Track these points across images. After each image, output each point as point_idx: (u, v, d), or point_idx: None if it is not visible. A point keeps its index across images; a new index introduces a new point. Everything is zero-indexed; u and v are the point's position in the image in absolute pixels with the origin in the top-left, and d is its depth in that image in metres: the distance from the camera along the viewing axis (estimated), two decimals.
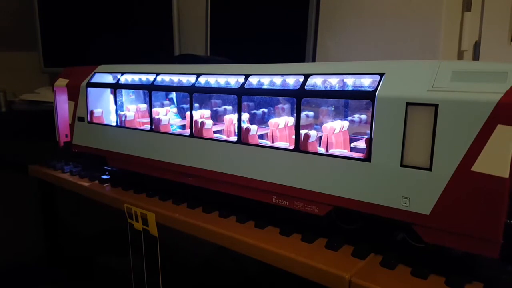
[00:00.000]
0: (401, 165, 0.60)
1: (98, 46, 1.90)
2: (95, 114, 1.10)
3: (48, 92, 1.84)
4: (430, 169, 0.58)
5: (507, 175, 0.52)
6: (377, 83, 0.63)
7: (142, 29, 1.77)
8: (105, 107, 1.12)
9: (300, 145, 0.73)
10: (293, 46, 1.34)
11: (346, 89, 0.69)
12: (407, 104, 0.59)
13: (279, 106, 0.94)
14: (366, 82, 0.66)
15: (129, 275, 1.09)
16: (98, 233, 1.62)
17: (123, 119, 1.06)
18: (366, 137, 0.66)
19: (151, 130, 0.97)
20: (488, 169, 0.54)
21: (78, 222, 1.68)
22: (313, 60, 1.36)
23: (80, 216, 1.64)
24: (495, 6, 1.14)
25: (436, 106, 0.56)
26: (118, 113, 1.09)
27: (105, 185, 1.14)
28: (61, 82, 1.17)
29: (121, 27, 1.83)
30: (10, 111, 1.91)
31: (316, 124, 0.87)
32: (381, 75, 0.63)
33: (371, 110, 0.63)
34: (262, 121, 0.96)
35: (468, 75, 0.56)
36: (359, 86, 0.67)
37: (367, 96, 0.63)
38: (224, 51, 1.53)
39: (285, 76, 0.77)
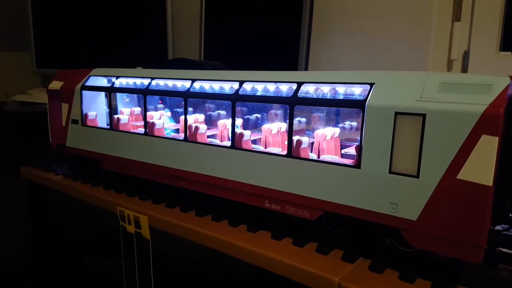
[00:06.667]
0: (390, 172, 0.62)
1: (91, 48, 1.90)
2: (89, 117, 1.11)
3: (41, 93, 1.83)
4: (417, 176, 0.60)
5: (491, 183, 0.54)
6: (367, 92, 0.65)
7: (136, 32, 1.78)
8: (99, 110, 1.13)
9: (293, 151, 0.74)
10: (287, 55, 1.36)
11: (337, 97, 0.71)
12: (396, 113, 0.61)
13: (272, 111, 0.95)
14: (357, 91, 0.68)
15: (121, 278, 1.09)
16: (90, 235, 1.61)
17: (117, 122, 1.06)
18: (356, 144, 0.67)
19: (145, 133, 0.98)
20: (473, 177, 0.56)
21: (70, 224, 1.67)
22: (306, 69, 1.38)
23: (72, 219, 1.63)
24: (484, 17, 1.17)
25: (424, 115, 0.58)
26: (112, 116, 1.09)
27: (97, 187, 1.14)
28: (55, 84, 1.18)
29: (115, 30, 1.83)
30: (2, 112, 1.89)
31: (308, 130, 0.89)
32: (371, 84, 0.65)
33: (361, 118, 0.64)
34: (255, 126, 0.97)
35: (454, 86, 0.58)
36: (350, 95, 0.69)
37: (358, 104, 0.65)
38: (218, 60, 1.54)
39: (278, 83, 0.78)
